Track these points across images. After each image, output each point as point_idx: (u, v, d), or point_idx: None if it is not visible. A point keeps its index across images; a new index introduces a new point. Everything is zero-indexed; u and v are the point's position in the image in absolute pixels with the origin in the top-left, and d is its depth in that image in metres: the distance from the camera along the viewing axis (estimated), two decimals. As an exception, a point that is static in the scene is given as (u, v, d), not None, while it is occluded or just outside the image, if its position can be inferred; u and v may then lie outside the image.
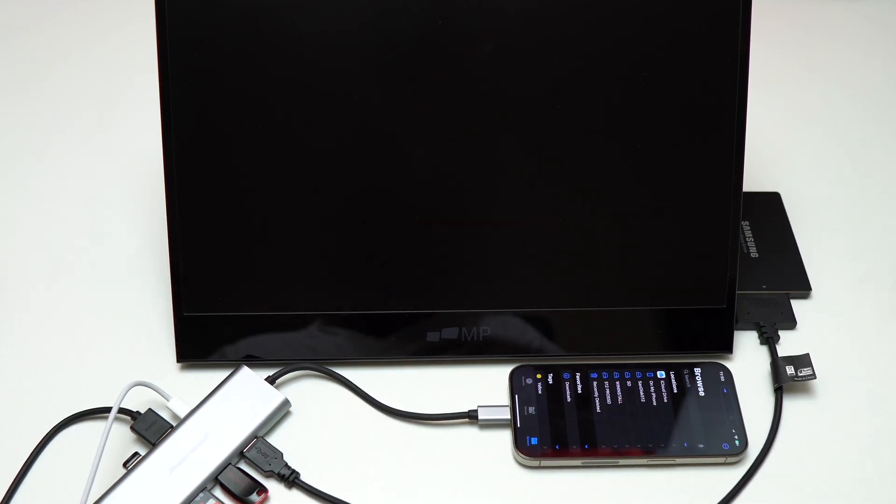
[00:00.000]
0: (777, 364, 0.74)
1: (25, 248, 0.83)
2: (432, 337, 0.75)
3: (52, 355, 0.76)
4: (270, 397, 0.72)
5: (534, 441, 0.70)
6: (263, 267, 0.73)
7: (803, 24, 1.05)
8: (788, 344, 0.77)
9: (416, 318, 0.75)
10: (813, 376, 0.73)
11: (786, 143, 0.91)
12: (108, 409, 0.72)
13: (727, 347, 0.76)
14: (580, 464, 0.70)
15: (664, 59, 0.71)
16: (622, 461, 0.70)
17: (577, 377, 0.74)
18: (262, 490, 0.69)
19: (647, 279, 0.75)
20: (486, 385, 0.75)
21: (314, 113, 0.71)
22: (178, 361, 0.75)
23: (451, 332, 0.75)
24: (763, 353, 0.77)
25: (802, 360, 0.74)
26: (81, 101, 0.96)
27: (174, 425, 0.71)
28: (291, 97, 0.70)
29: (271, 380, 0.73)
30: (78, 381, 0.75)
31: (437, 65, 0.70)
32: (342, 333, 0.75)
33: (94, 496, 0.67)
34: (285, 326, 0.75)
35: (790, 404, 0.74)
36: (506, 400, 0.74)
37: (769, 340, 0.77)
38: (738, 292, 0.76)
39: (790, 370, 0.74)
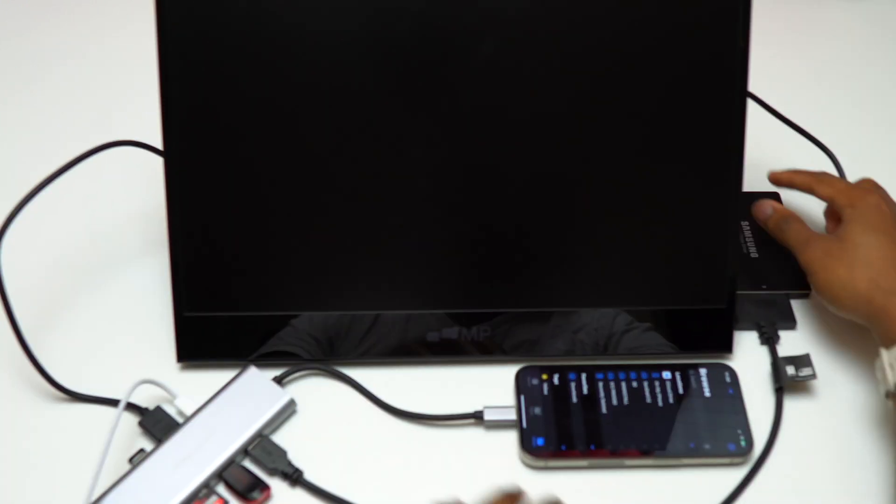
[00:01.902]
0: (777, 364, 0.74)
1: (26, 249, 0.83)
2: (432, 337, 0.75)
3: (52, 356, 0.75)
4: (276, 396, 0.72)
5: (540, 442, 0.70)
6: (264, 267, 0.73)
7: (803, 24, 1.06)
8: (788, 344, 0.78)
9: (416, 318, 0.75)
10: (813, 376, 0.73)
11: (786, 142, 0.91)
12: (115, 402, 0.72)
13: (727, 347, 0.77)
14: (586, 464, 0.70)
15: (664, 59, 0.71)
16: (628, 462, 0.70)
17: (583, 378, 0.74)
18: (265, 488, 0.69)
19: (647, 279, 0.75)
20: (492, 386, 0.75)
21: (314, 113, 0.71)
22: (178, 361, 0.76)
23: (451, 332, 0.75)
24: (763, 353, 0.78)
25: (803, 360, 0.74)
26: (81, 101, 0.96)
27: (181, 422, 0.71)
28: (291, 97, 0.70)
29: (278, 379, 0.74)
30: (79, 381, 0.74)
31: (437, 64, 0.70)
32: (341, 334, 0.75)
33: (99, 491, 0.67)
34: (285, 327, 0.75)
35: (791, 404, 0.74)
36: (512, 401, 0.74)
37: (769, 340, 0.77)
38: (738, 292, 0.76)
39: (790, 370, 0.74)
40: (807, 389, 0.75)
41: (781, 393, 0.74)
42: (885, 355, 0.69)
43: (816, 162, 0.87)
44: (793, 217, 0.79)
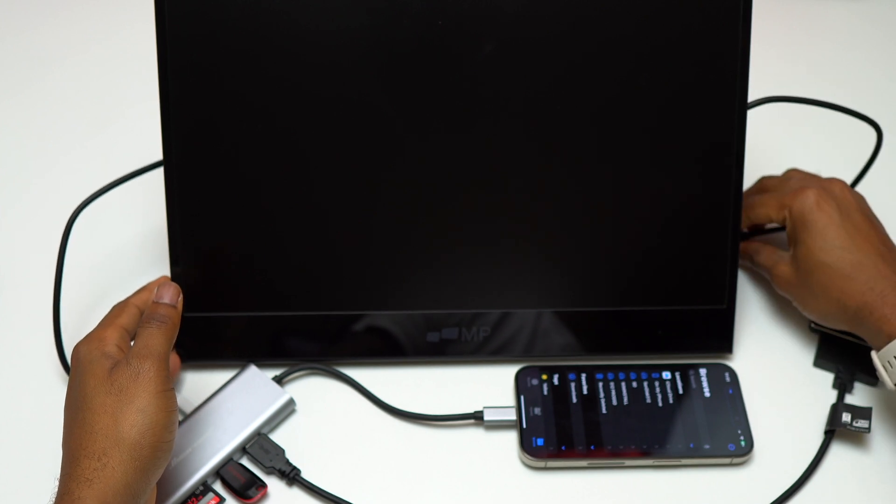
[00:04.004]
0: (837, 408, 0.72)
1: (26, 249, 0.83)
2: (432, 337, 0.75)
3: (52, 356, 0.75)
4: (275, 395, 0.72)
5: (539, 442, 0.70)
6: (263, 267, 0.73)
7: (803, 24, 1.06)
8: (861, 397, 0.75)
9: (415, 319, 0.75)
10: (867, 430, 0.71)
11: (786, 143, 0.91)
12: None
13: (727, 347, 0.77)
14: (586, 465, 0.70)
15: (664, 60, 0.71)
16: (628, 462, 0.70)
17: (583, 378, 0.74)
18: (262, 486, 0.69)
19: (647, 279, 0.75)
20: (492, 386, 0.75)
21: (314, 114, 0.71)
22: (178, 361, 0.76)
23: (451, 332, 0.75)
24: (764, 354, 0.78)
25: (863, 412, 0.71)
26: (81, 101, 0.96)
27: (180, 419, 0.71)
28: (291, 97, 0.70)
29: (278, 379, 0.74)
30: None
31: (437, 65, 0.70)
32: (340, 334, 0.75)
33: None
34: (284, 327, 0.75)
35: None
36: (511, 401, 0.74)
37: (842, 387, 0.75)
38: (832, 333, 0.76)
39: (846, 417, 0.71)
40: (859, 440, 0.73)
41: (831, 435, 0.72)
42: (877, 359, 0.69)
43: (816, 161, 0.87)
44: (755, 246, 0.79)
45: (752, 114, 0.73)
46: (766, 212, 0.76)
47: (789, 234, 0.75)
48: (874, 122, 0.80)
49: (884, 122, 0.81)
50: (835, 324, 0.73)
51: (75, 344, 0.65)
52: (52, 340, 0.74)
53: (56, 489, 0.59)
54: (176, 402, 0.63)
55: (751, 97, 0.73)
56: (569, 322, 0.75)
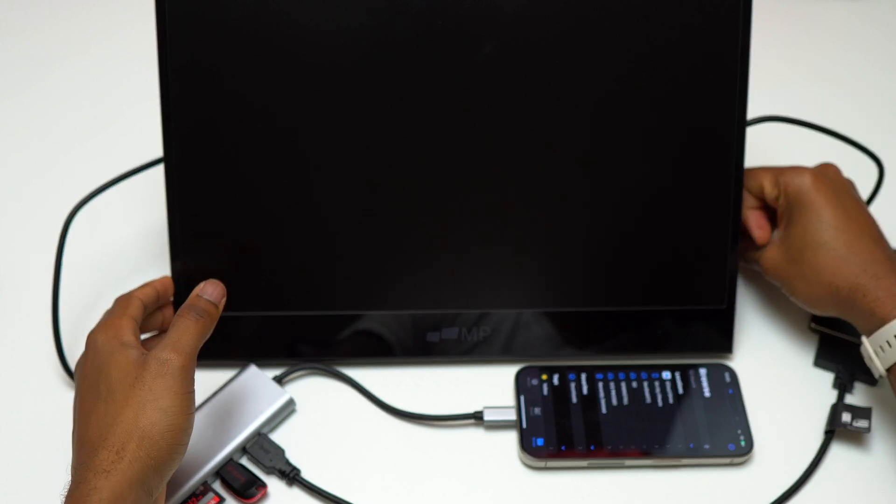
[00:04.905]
0: (837, 408, 0.72)
1: (26, 249, 0.83)
2: (432, 337, 0.75)
3: (52, 357, 0.75)
4: (275, 395, 0.72)
5: (539, 442, 0.70)
6: (263, 267, 0.73)
7: (803, 24, 1.06)
8: (862, 397, 0.75)
9: (416, 318, 0.75)
10: (867, 430, 0.71)
11: (786, 143, 0.91)
12: None
13: (727, 347, 0.77)
14: (586, 465, 0.70)
15: (664, 60, 0.71)
16: (628, 462, 0.70)
17: (583, 378, 0.74)
18: (262, 486, 0.69)
19: (647, 279, 0.75)
20: (492, 386, 0.75)
21: (314, 113, 0.71)
22: (180, 361, 0.75)
23: (450, 332, 0.75)
24: (764, 354, 0.78)
25: (862, 412, 0.71)
26: (81, 101, 0.96)
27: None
28: (291, 97, 0.70)
29: (278, 378, 0.74)
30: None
31: (437, 65, 0.70)
32: (340, 334, 0.75)
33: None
34: (285, 327, 0.75)
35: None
36: (511, 401, 0.74)
37: (842, 387, 0.75)
38: (831, 333, 0.76)
39: (846, 417, 0.71)
40: (859, 440, 0.73)
41: (831, 435, 0.72)
42: (868, 344, 0.68)
43: (816, 161, 0.87)
44: (746, 244, 0.79)
45: (751, 114, 0.73)
46: (760, 183, 0.75)
47: (782, 212, 0.74)
48: (875, 156, 0.80)
49: (883, 123, 0.81)
50: (824, 309, 0.72)
51: (90, 331, 0.65)
52: (51, 339, 0.74)
53: (70, 478, 0.59)
54: (195, 404, 0.63)
55: (751, 100, 0.73)
56: (569, 322, 0.75)
